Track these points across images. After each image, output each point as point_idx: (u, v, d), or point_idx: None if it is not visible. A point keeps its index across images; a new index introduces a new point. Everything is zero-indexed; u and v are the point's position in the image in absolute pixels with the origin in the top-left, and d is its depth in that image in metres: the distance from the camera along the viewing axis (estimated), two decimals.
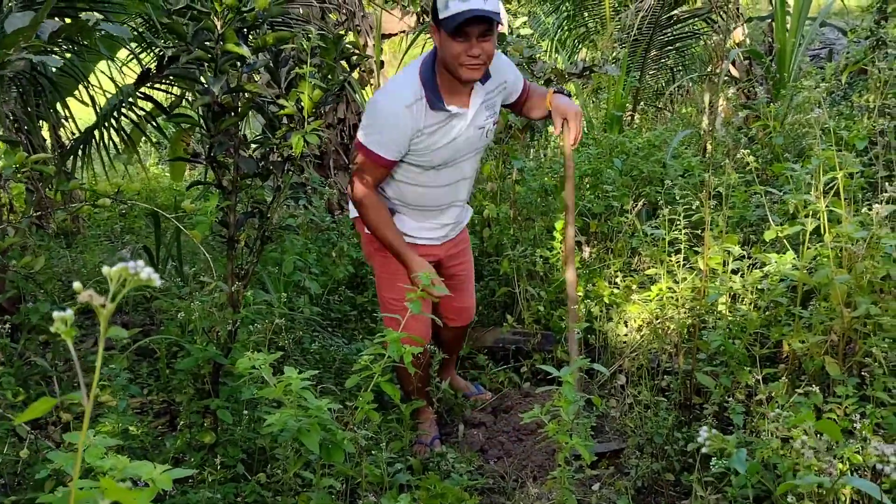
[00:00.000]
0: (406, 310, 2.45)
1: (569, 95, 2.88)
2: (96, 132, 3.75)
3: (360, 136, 2.66)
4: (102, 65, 4.21)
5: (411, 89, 2.59)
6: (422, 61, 2.64)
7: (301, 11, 4.61)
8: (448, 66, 2.55)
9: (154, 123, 4.03)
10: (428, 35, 7.05)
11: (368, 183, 2.68)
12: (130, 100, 3.65)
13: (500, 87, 2.80)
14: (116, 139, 3.87)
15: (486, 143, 2.88)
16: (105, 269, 0.69)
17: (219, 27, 2.23)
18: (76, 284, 0.68)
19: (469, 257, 3.18)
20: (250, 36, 2.44)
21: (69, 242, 4.79)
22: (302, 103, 2.40)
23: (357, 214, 2.85)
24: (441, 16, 2.46)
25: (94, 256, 4.37)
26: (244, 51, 2.23)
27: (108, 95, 3.88)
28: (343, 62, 2.60)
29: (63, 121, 4.11)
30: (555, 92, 2.84)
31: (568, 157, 2.89)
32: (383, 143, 2.61)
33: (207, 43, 2.29)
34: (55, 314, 0.68)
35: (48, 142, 4.46)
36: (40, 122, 3.79)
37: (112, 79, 4.12)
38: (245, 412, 2.54)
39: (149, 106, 3.88)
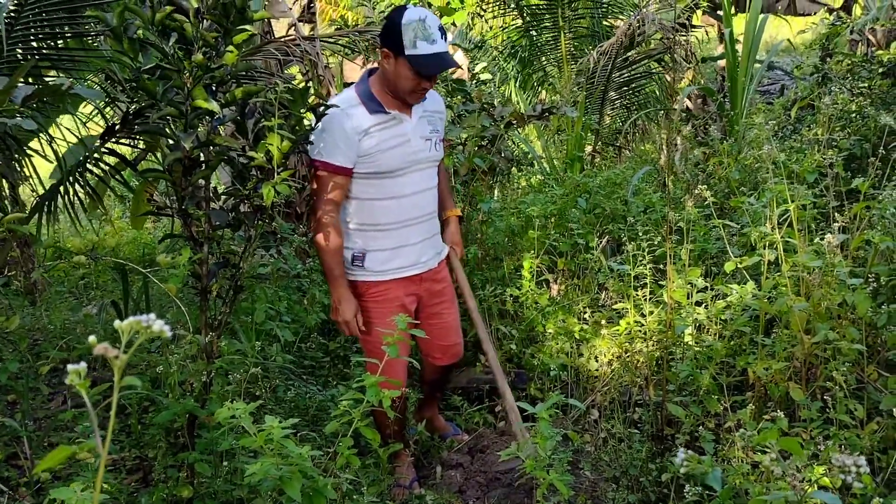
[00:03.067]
0: (378, 355, 2.50)
1: (461, 220, 3.26)
2: (61, 188, 3.74)
3: (313, 154, 2.70)
4: (67, 121, 4.22)
5: (346, 99, 2.71)
6: (354, 84, 2.78)
7: (263, 62, 4.68)
8: (396, 89, 2.68)
9: (119, 177, 4.03)
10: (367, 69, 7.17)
11: (326, 200, 2.70)
12: (96, 155, 3.66)
13: (437, 114, 2.92)
14: (82, 194, 3.87)
15: (437, 157, 2.93)
16: (116, 323, 0.72)
17: (189, 84, 2.28)
18: (91, 338, 0.71)
19: (452, 296, 3.14)
20: (218, 90, 2.50)
21: (34, 300, 4.73)
22: (271, 154, 2.45)
23: None
24: (406, 51, 2.57)
25: (60, 313, 4.32)
26: (214, 106, 2.28)
27: (73, 150, 3.89)
28: (310, 112, 2.66)
29: (25, 178, 4.09)
30: (452, 215, 3.18)
31: (457, 269, 3.19)
32: (330, 150, 2.66)
33: (177, 99, 2.34)
34: (70, 367, 0.71)
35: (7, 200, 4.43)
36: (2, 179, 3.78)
37: (77, 135, 4.12)
38: (226, 463, 2.52)
39: (113, 160, 3.89)
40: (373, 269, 2.83)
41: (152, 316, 0.73)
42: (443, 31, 2.60)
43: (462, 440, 3.38)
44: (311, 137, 2.69)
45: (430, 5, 7.20)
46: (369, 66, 7.53)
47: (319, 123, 2.67)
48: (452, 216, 3.17)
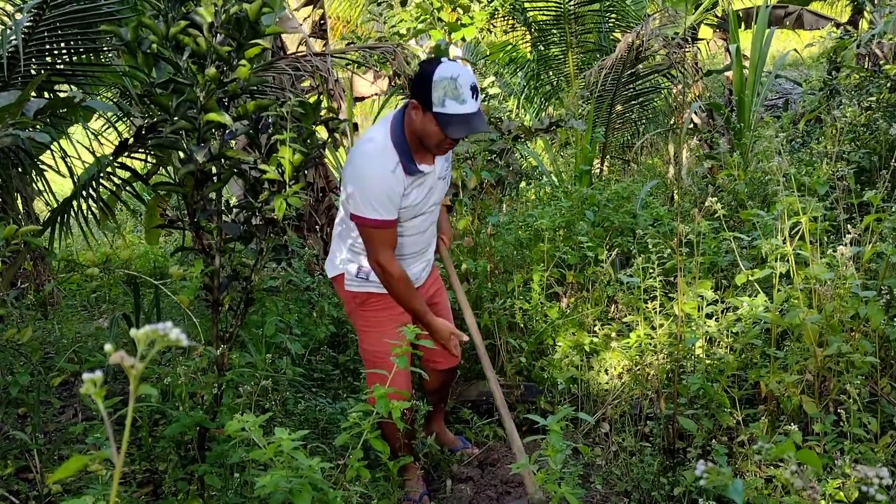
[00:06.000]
0: (389, 362, 2.57)
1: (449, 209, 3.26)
2: (74, 202, 3.77)
3: (360, 211, 2.63)
4: (81, 136, 4.26)
5: (390, 157, 2.63)
6: (390, 127, 2.68)
7: (275, 78, 4.71)
8: (422, 141, 2.64)
9: (132, 191, 4.06)
10: (400, 97, 7.22)
11: (388, 254, 2.69)
12: (108, 169, 3.69)
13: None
14: (95, 208, 3.89)
15: (448, 188, 3.00)
16: (133, 332, 0.73)
17: (202, 98, 2.30)
18: (107, 346, 0.71)
19: (445, 297, 3.20)
20: (230, 104, 2.52)
21: (45, 313, 4.75)
22: (283, 167, 2.47)
23: (336, 273, 2.91)
24: (434, 108, 2.52)
25: (72, 326, 4.34)
26: (227, 120, 2.30)
27: (85, 164, 3.92)
28: (321, 126, 2.68)
29: (38, 193, 4.13)
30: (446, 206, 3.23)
31: (445, 258, 3.25)
32: (383, 208, 2.62)
33: (190, 113, 2.36)
34: (85, 376, 0.71)
35: (21, 215, 4.47)
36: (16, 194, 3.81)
37: (90, 149, 4.16)
38: (236, 475, 2.52)
39: (126, 174, 3.92)
40: (377, 281, 2.82)
41: (169, 324, 0.73)
42: (475, 90, 2.54)
43: (472, 453, 3.37)
44: (352, 193, 2.65)
45: (440, 20, 7.23)
46: (380, 80, 7.56)
47: (363, 180, 2.62)
48: (441, 205, 3.07)
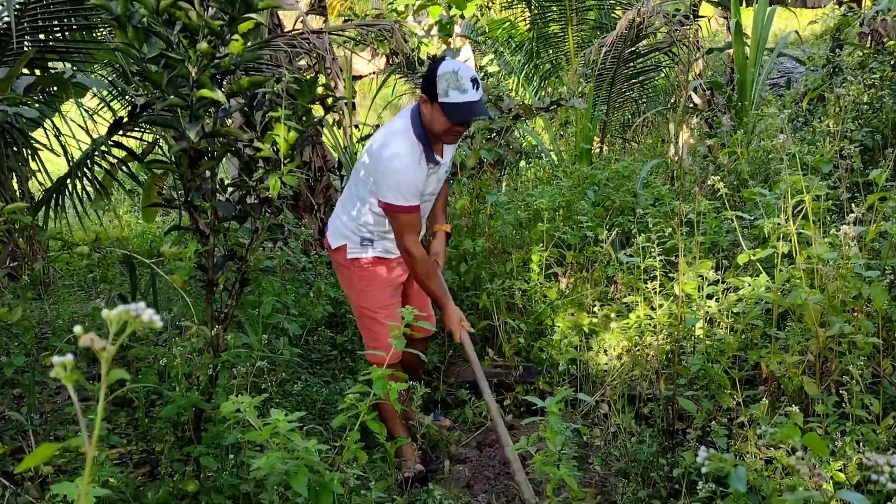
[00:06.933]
0: (376, 321, 3.05)
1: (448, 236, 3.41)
2: (68, 181, 3.73)
3: (391, 199, 2.88)
4: (75, 114, 4.21)
5: (416, 148, 2.92)
6: (411, 120, 2.95)
7: (271, 56, 4.65)
8: (433, 131, 2.92)
9: (127, 170, 4.02)
10: (398, 76, 7.15)
11: (413, 238, 2.97)
12: (103, 148, 3.64)
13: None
14: (90, 188, 3.85)
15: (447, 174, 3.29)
16: (105, 313, 0.70)
17: (194, 74, 2.25)
18: (77, 328, 0.68)
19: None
20: (224, 81, 2.47)
21: (40, 293, 4.73)
22: (278, 146, 2.43)
23: (340, 244, 3.09)
24: (440, 99, 2.81)
25: (68, 307, 4.31)
26: (219, 96, 2.25)
27: (80, 143, 3.88)
28: (318, 104, 2.63)
29: (32, 173, 4.09)
30: (441, 230, 3.36)
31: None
32: (412, 195, 2.90)
33: (182, 89, 2.31)
34: (55, 359, 0.68)
35: (17, 193, 4.42)
36: (11, 173, 3.76)
37: (84, 128, 4.11)
38: (230, 457, 2.50)
39: (121, 153, 3.87)
40: (379, 247, 3.10)
41: (141, 305, 0.70)
42: (476, 82, 2.83)
43: (444, 425, 3.43)
44: (382, 182, 2.89)
45: None
46: (377, 58, 7.48)
47: (396, 173, 2.86)
48: (441, 230, 3.38)
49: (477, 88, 2.83)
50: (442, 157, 3.05)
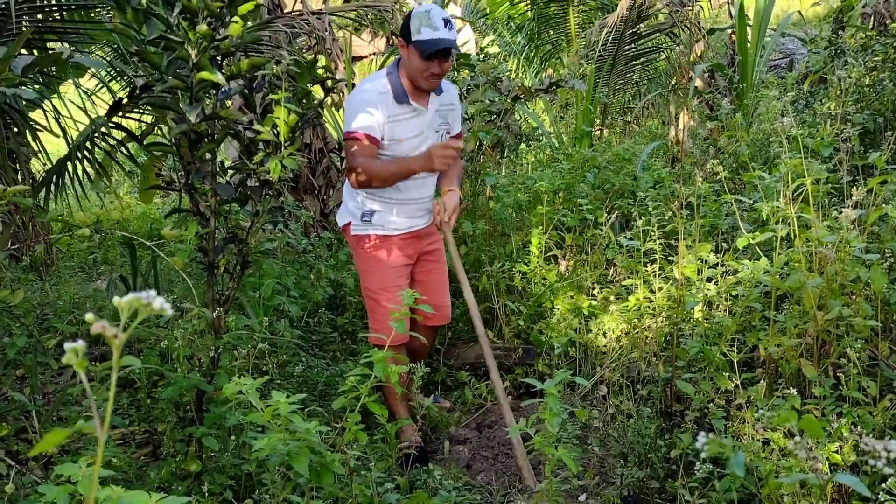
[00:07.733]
0: (378, 303, 3.09)
1: (460, 201, 3.28)
2: (69, 163, 3.72)
3: (346, 127, 2.98)
4: (73, 96, 4.20)
5: (381, 83, 3.01)
6: (388, 70, 3.07)
7: (271, 37, 4.63)
8: (411, 76, 2.99)
9: (126, 152, 4.01)
10: (397, 56, 7.10)
11: (362, 159, 2.93)
12: (103, 130, 3.63)
13: (449, 106, 3.22)
14: (90, 170, 3.85)
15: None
16: (116, 300, 0.70)
17: (193, 56, 2.25)
18: (88, 315, 0.69)
19: (443, 258, 3.38)
20: (224, 63, 2.46)
21: (42, 275, 4.73)
22: (278, 128, 2.43)
23: (345, 222, 3.18)
24: (413, 38, 2.90)
25: (70, 288, 4.32)
26: (219, 78, 2.25)
27: (80, 125, 3.87)
28: (318, 86, 2.63)
29: (33, 154, 4.08)
30: (450, 190, 3.22)
31: (450, 241, 3.22)
32: (367, 124, 2.94)
33: (182, 71, 2.30)
34: (66, 345, 0.69)
35: (18, 175, 4.42)
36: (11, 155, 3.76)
37: (83, 109, 4.10)
38: (231, 438, 2.52)
39: (120, 135, 3.86)
40: (379, 224, 3.12)
41: (152, 293, 0.71)
42: (448, 22, 2.90)
43: (444, 406, 3.44)
44: (346, 115, 2.99)
45: None
46: (377, 39, 7.45)
47: (353, 98, 2.98)
48: (453, 191, 3.25)
49: (449, 28, 2.89)
50: (423, 107, 3.05)
